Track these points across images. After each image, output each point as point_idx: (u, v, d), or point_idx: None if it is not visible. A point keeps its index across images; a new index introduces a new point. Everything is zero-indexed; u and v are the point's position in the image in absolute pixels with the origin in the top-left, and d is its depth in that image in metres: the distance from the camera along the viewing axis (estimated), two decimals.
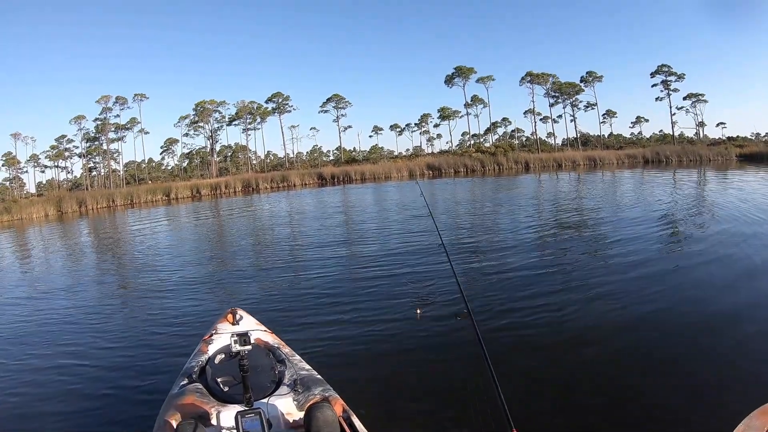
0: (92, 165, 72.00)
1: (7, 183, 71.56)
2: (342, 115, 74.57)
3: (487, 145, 70.79)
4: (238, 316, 4.78)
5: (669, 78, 68.33)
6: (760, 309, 6.71)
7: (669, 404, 4.49)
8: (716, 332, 6.02)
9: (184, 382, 3.70)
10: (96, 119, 67.63)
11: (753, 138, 67.87)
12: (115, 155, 71.11)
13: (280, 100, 72.43)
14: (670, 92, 68.73)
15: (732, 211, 14.53)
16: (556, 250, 11.14)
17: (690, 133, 71.81)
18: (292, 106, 73.69)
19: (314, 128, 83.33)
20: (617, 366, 5.38)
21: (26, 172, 72.96)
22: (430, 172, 53.11)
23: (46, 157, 71.40)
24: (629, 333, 6.27)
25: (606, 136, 78.39)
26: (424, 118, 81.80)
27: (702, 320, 6.45)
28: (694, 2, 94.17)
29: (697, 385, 4.79)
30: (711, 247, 10.34)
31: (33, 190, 71.32)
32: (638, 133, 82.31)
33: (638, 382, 4.97)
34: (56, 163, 71.70)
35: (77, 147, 70.46)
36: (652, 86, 69.79)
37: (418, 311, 3.94)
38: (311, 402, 3.24)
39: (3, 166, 70.69)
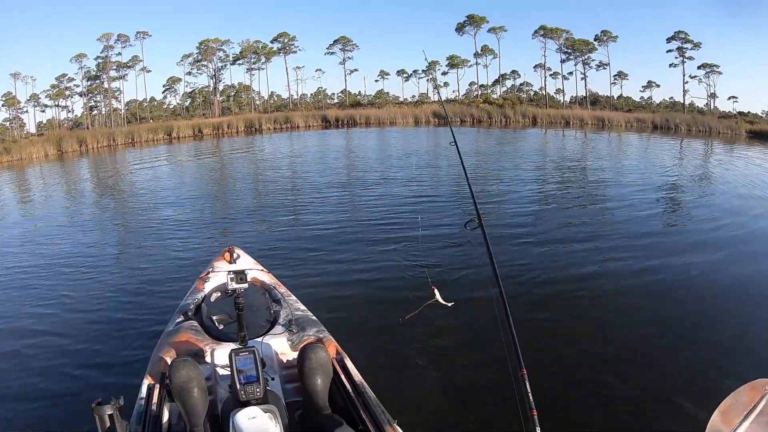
0: (93, 104, 71.16)
1: (7, 123, 71.02)
2: (348, 57, 73.01)
3: (494, 96, 69.96)
4: (235, 255, 4.84)
5: (685, 45, 66.67)
6: None
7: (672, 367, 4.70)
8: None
9: (180, 319, 3.76)
10: (97, 57, 66.31)
11: (764, 116, 66.86)
12: (116, 94, 70.16)
13: (285, 41, 70.55)
14: (685, 60, 67.10)
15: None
16: (568, 213, 11.04)
17: (701, 104, 70.59)
18: (297, 46, 71.66)
19: (320, 70, 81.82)
20: (630, 321, 5.65)
21: (26, 112, 71.86)
22: (436, 120, 52.35)
23: (46, 97, 70.28)
24: (639, 288, 6.54)
25: (615, 98, 77.24)
26: (432, 65, 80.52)
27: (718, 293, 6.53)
28: None
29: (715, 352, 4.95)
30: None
31: (33, 130, 70.55)
32: (648, 98, 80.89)
33: (649, 337, 5.27)
34: (57, 103, 70.75)
35: (78, 86, 69.36)
36: (667, 51, 68.11)
37: (436, 291, 3.50)
38: (305, 342, 3.30)
39: (3, 106, 69.84)
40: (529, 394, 2.33)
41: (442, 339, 4.85)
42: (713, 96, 69.80)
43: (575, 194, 12.18)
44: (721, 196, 12.56)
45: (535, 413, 2.24)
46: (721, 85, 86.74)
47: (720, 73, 67.76)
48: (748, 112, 65.22)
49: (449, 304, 3.40)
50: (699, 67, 67.66)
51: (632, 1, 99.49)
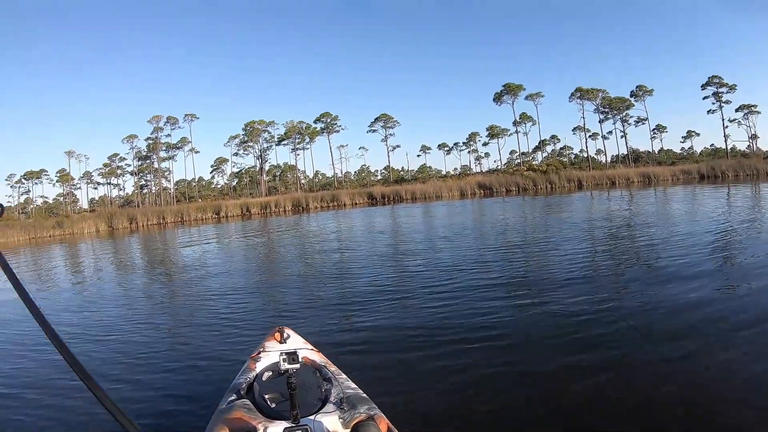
0: (143, 183, 74.14)
1: (61, 198, 74.12)
2: (390, 134, 75.25)
3: (535, 163, 70.00)
4: (285, 335, 4.79)
5: (720, 89, 66.99)
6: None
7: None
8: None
9: (233, 397, 3.75)
10: (147, 138, 70.32)
11: None
12: (165, 173, 73.23)
13: (328, 120, 73.38)
14: (722, 104, 67.34)
15: None
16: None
17: (742, 146, 69.81)
18: (340, 125, 74.86)
19: (363, 147, 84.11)
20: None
21: (79, 188, 76.11)
22: (482, 191, 52.44)
23: (99, 175, 74.36)
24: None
25: (657, 152, 76.80)
26: (473, 136, 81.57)
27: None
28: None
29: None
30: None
31: (86, 206, 74.19)
32: (689, 148, 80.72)
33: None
34: (108, 181, 74.35)
35: (129, 165, 73.25)
36: (704, 98, 68.46)
37: None
38: (356, 420, 3.24)
39: (57, 182, 73.68)
40: None
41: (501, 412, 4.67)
42: (755, 137, 69.31)
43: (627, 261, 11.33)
44: None
45: None
46: (761, 124, 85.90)
47: (759, 112, 67.81)
48: None
49: None
50: (737, 110, 68.06)
51: (664, 52, 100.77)
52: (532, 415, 4.65)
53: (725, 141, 69.20)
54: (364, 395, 3.80)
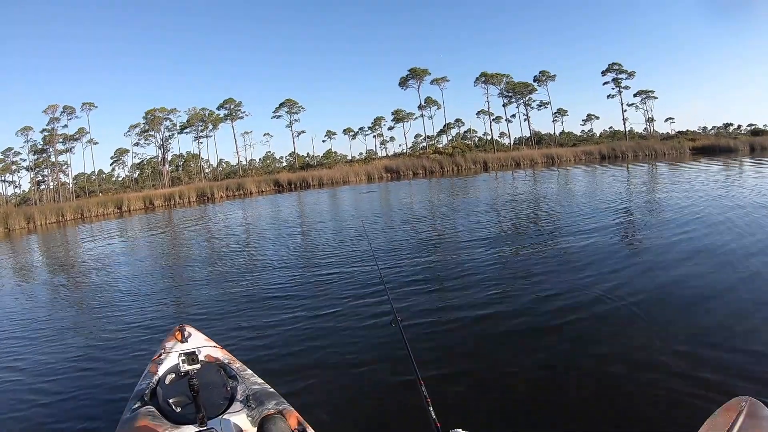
0: (40, 178, 70.19)
1: None
2: (295, 120, 74.79)
3: (440, 146, 71.80)
4: (186, 333, 4.70)
5: (620, 76, 71.12)
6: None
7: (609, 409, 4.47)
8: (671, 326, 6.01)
9: (136, 405, 3.64)
10: (43, 130, 66.10)
11: (701, 131, 70.65)
12: (63, 167, 69.51)
13: (232, 107, 72.02)
14: (621, 89, 71.72)
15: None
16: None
17: (639, 129, 74.81)
18: (244, 112, 73.71)
19: (268, 134, 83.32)
20: (542, 370, 5.35)
21: None
22: (389, 175, 53.70)
23: None
24: (553, 335, 6.19)
25: (558, 134, 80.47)
26: (378, 121, 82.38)
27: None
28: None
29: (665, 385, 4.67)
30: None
31: None
32: (589, 131, 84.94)
33: (565, 385, 4.98)
34: (3, 177, 69.63)
35: (24, 160, 68.73)
36: (604, 84, 72.62)
37: None
38: (264, 415, 3.19)
39: None
40: None
41: (389, 404, 4.83)
42: (651, 120, 74.78)
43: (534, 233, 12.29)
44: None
45: None
46: (658, 108, 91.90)
47: (656, 97, 73.42)
48: (687, 131, 69.22)
49: None
50: (635, 95, 73.24)
51: (568, 38, 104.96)
52: (452, 407, 4.59)
53: (624, 124, 74.42)
54: (272, 390, 3.81)
